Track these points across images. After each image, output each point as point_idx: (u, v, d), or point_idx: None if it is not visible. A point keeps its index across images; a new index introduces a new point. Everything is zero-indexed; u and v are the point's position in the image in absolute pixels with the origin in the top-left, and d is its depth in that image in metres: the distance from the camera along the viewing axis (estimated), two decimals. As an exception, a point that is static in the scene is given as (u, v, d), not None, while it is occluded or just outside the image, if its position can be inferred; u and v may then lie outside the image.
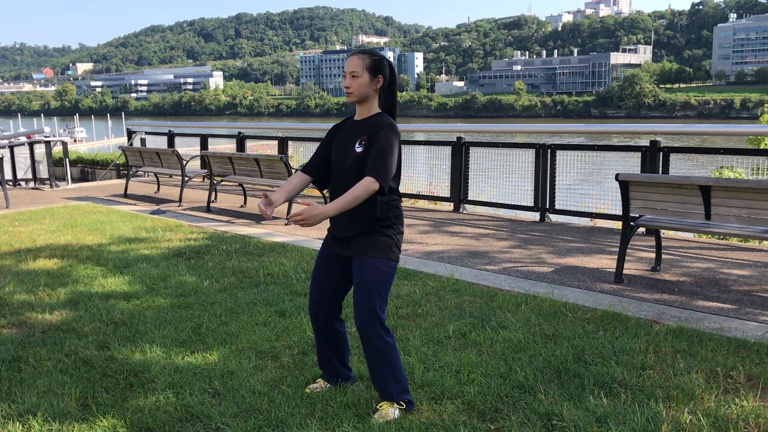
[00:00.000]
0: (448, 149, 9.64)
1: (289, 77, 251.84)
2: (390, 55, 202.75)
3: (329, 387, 3.65)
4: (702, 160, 10.48)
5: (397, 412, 3.33)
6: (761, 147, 11.10)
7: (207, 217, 9.46)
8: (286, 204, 9.78)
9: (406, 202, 10.86)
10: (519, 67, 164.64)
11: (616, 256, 6.56)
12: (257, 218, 9.38)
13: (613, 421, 3.17)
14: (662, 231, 6.86)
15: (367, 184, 3.16)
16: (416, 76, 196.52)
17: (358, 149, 3.32)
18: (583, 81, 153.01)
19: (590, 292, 5.45)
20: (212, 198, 10.27)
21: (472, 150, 9.41)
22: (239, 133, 13.00)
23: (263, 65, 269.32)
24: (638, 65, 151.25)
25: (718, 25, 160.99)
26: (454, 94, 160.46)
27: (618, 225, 8.58)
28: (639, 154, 7.71)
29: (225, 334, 4.55)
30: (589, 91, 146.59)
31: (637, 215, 5.82)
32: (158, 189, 12.41)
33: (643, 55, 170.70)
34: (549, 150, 8.51)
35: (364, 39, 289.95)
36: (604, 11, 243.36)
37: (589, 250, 7.02)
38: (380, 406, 3.35)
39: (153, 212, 9.92)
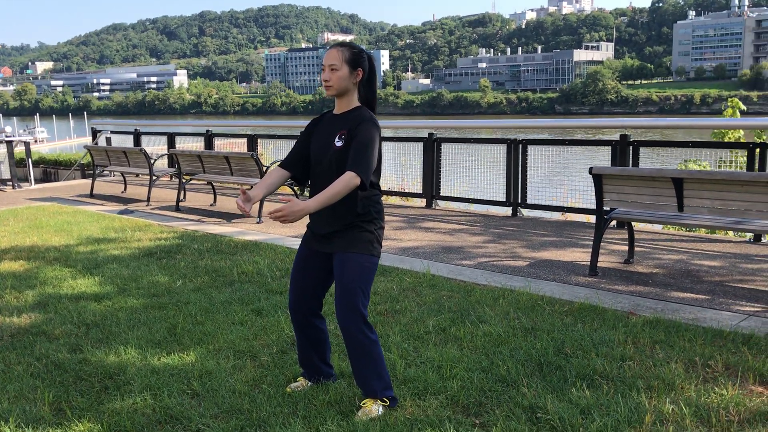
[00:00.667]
0: (419, 145, 9.62)
1: (255, 75, 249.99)
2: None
3: (311, 385, 3.60)
4: (665, 154, 10.64)
5: (380, 408, 3.29)
6: (725, 140, 11.29)
7: (176, 217, 9.31)
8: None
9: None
10: (484, 65, 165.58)
11: (590, 250, 6.62)
12: (228, 217, 9.27)
13: (597, 413, 3.17)
14: (634, 224, 6.92)
15: (348, 179, 3.11)
16: (382, 74, 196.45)
17: (338, 143, 3.27)
18: (547, 78, 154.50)
19: (566, 285, 5.48)
20: (181, 197, 10.11)
21: (444, 146, 9.41)
22: (207, 131, 12.83)
23: (228, 63, 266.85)
24: (601, 62, 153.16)
25: (678, 22, 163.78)
26: (421, 92, 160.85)
27: (589, 218, 8.67)
28: (609, 149, 7.78)
29: (201, 333, 4.48)
30: (553, 88, 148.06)
31: (610, 209, 5.87)
32: (125, 189, 12.19)
33: (606, 52, 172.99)
34: (520, 145, 8.54)
35: (330, 37, 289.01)
36: (567, 9, 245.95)
37: (562, 243, 7.06)
38: (363, 404, 3.32)
39: (121, 212, 9.74)
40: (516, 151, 8.56)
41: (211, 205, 10.32)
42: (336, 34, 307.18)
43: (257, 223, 8.68)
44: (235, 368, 3.89)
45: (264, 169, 8.77)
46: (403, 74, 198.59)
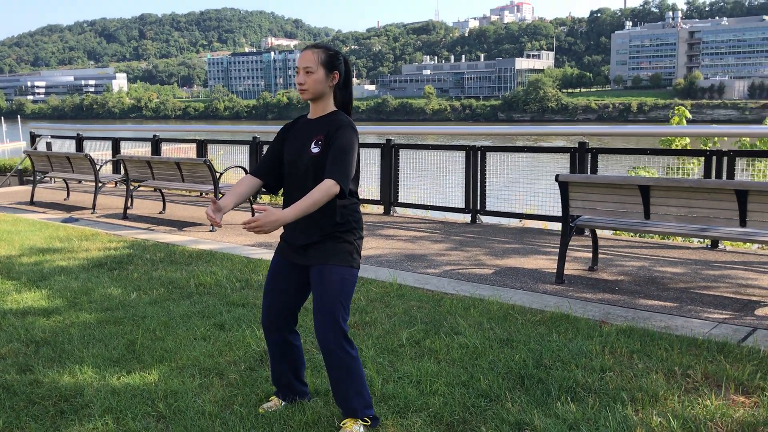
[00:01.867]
0: (377, 151, 9.49)
1: (197, 79, 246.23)
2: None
3: (284, 405, 3.42)
4: (613, 161, 10.78)
5: (361, 428, 3.14)
6: (672, 147, 11.52)
7: (125, 225, 8.95)
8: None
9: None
10: (429, 72, 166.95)
11: (552, 257, 6.60)
12: (179, 225, 8.95)
13: (585, 428, 3.09)
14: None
15: (328, 188, 2.95)
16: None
17: (315, 150, 3.11)
18: (490, 86, 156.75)
19: (534, 293, 5.42)
20: (128, 204, 9.74)
21: (402, 152, 9.31)
22: (154, 135, 12.44)
23: (169, 67, 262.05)
24: (542, 70, 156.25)
25: (616, 32, 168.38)
26: (366, 98, 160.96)
27: (546, 225, 8.68)
28: (568, 156, 7.80)
29: (162, 350, 4.23)
30: (496, 95, 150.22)
31: (574, 216, 5.84)
32: (68, 196, 11.70)
33: (546, 60, 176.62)
34: (479, 152, 8.50)
35: (274, 41, 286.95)
36: (509, 18, 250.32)
37: (524, 250, 7.02)
38: (344, 424, 3.15)
39: (65, 220, 9.32)
40: (475, 158, 8.51)
41: (161, 212, 9.96)
42: (280, 38, 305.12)
43: (210, 231, 8.40)
44: (202, 387, 3.68)
45: (217, 175, 8.50)
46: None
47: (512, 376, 3.71)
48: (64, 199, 11.51)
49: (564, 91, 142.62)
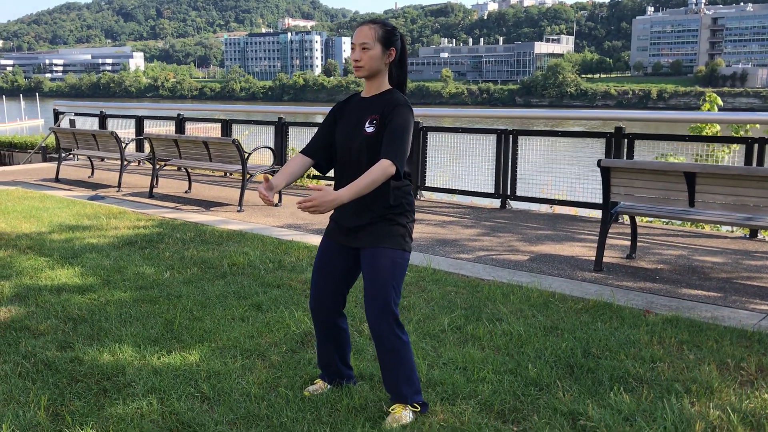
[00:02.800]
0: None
1: (213, 60, 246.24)
2: (317, 39, 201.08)
3: (329, 388, 3.36)
4: (642, 147, 10.61)
5: (411, 414, 3.07)
6: (703, 134, 11.33)
7: (151, 204, 8.92)
8: (239, 191, 9.38)
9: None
10: (446, 55, 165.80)
11: (588, 244, 6.50)
12: (206, 204, 8.91)
13: (642, 420, 3.01)
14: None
15: (385, 167, 2.87)
16: (344, 61, 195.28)
17: (369, 129, 3.02)
18: (508, 69, 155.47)
19: (573, 281, 5.32)
20: (154, 183, 9.70)
21: (431, 135, 9.19)
22: (179, 114, 12.38)
23: (186, 47, 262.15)
24: (561, 55, 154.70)
25: (637, 17, 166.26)
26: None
27: (576, 211, 8.56)
28: (603, 141, 7.66)
29: (201, 330, 4.19)
30: (514, 79, 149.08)
31: (615, 202, 5.73)
32: (92, 173, 11.69)
33: (566, 45, 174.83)
34: (511, 136, 8.38)
35: (291, 22, 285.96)
36: (528, 1, 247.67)
37: (558, 237, 6.92)
38: (393, 409, 3.09)
39: (91, 198, 9.30)
40: (507, 142, 8.38)
41: (186, 192, 9.93)
42: (297, 19, 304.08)
43: (238, 212, 8.35)
44: (245, 369, 3.63)
45: (246, 155, 8.44)
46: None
47: (560, 364, 3.63)
48: (89, 177, 11.50)
49: (583, 76, 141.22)
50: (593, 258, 6.00)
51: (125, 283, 5.19)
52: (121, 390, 3.42)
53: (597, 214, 8.39)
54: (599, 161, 5.47)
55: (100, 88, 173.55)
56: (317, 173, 10.59)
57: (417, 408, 3.10)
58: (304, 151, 3.21)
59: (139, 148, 12.73)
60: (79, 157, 13.70)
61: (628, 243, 6.44)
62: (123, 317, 4.45)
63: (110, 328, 4.25)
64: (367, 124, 3.03)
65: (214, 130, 12.29)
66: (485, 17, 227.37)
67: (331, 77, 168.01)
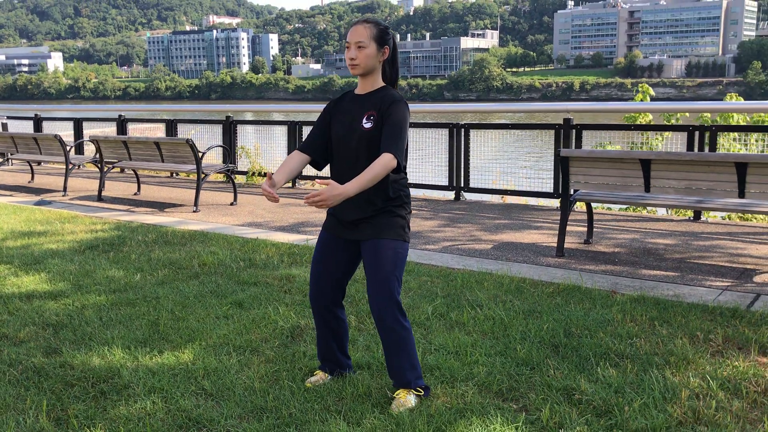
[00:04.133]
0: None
1: (137, 59, 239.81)
2: (244, 37, 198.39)
3: (330, 378, 3.45)
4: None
5: (414, 398, 3.20)
6: (636, 123, 11.84)
7: (102, 207, 8.75)
8: (190, 191, 9.30)
9: (315, 184, 10.62)
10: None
11: (544, 231, 6.76)
12: (159, 206, 8.80)
13: (631, 391, 3.21)
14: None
15: (386, 161, 2.98)
16: (272, 58, 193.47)
17: (367, 125, 3.12)
18: (436, 65, 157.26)
19: (539, 266, 5.55)
20: (99, 186, 9.50)
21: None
22: (120, 116, 12.12)
23: (107, 46, 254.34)
24: (486, 49, 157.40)
25: (558, 12, 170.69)
26: (312, 77, 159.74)
27: (526, 201, 8.85)
28: (552, 132, 7.95)
29: (187, 330, 4.20)
30: (441, 74, 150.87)
31: (573, 191, 5.98)
32: (32, 178, 11.34)
33: (491, 39, 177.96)
34: (463, 129, 8.58)
35: (215, 19, 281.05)
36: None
37: (515, 226, 7.16)
38: (397, 394, 3.21)
39: (37, 203, 9.05)
40: (458, 135, 8.59)
41: (135, 194, 9.76)
42: (222, 16, 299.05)
43: (194, 212, 8.28)
44: (242, 365, 3.67)
45: (200, 155, 8.37)
46: (293, 59, 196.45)
47: (545, 345, 3.82)
48: (29, 182, 11.16)
49: (509, 70, 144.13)
50: (553, 244, 6.26)
51: (97, 287, 5.13)
52: (120, 391, 3.42)
53: (545, 202, 8.70)
54: (558, 151, 5.71)
55: (17, 90, 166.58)
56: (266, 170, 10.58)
57: (420, 392, 3.22)
58: (301, 148, 3.28)
59: (78, 150, 12.41)
60: (13, 162, 13.26)
61: (583, 229, 6.73)
62: (104, 321, 4.41)
63: (94, 332, 4.21)
64: (364, 120, 3.13)
65: (157, 131, 12.09)
66: (411, 13, 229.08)
67: (260, 74, 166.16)
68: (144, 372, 3.60)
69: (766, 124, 9.65)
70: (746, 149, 8.27)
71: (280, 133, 10.80)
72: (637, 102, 9.96)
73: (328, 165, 3.32)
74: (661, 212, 8.07)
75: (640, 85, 13.35)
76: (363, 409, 3.13)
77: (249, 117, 11.34)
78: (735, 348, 3.75)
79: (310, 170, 10.37)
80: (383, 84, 3.23)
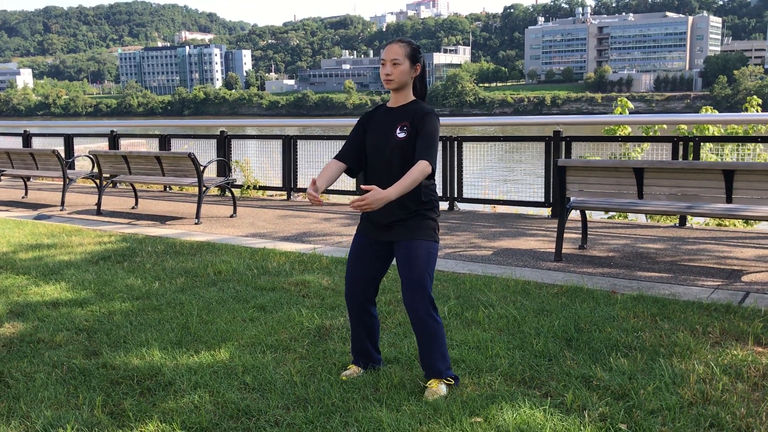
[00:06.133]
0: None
1: (108, 75, 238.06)
2: (217, 53, 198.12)
3: (363, 372, 3.70)
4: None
5: (445, 387, 3.46)
6: (623, 135, 12.30)
7: (103, 221, 8.90)
8: (188, 204, 9.48)
9: (301, 198, 10.86)
10: (348, 66, 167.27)
11: (540, 238, 7.08)
12: (159, 219, 8.98)
13: (643, 378, 3.51)
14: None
15: (423, 167, 3.26)
16: (245, 74, 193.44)
17: (401, 135, 3.40)
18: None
19: (540, 270, 5.85)
20: (100, 200, 9.65)
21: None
22: (112, 131, 12.27)
23: (78, 62, 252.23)
24: (459, 65, 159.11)
25: (529, 27, 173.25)
26: (285, 93, 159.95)
27: (517, 210, 9.18)
28: (543, 144, 8.30)
29: (217, 331, 4.42)
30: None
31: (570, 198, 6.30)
32: (26, 193, 11.42)
33: (463, 55, 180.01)
34: (456, 142, 8.91)
35: (188, 36, 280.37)
36: (425, 13, 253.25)
37: (510, 233, 7.47)
38: (429, 384, 3.46)
39: (37, 217, 9.17)
40: (452, 148, 8.91)
41: (133, 207, 9.92)
42: (194, 33, 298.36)
43: (196, 224, 8.48)
44: (277, 361, 3.90)
45: (201, 168, 8.58)
46: (267, 75, 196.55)
47: (559, 339, 4.11)
48: (23, 197, 11.24)
49: (481, 85, 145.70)
50: (549, 250, 6.58)
51: (120, 295, 5.32)
52: (165, 387, 3.63)
53: (534, 211, 9.04)
54: (556, 161, 6.04)
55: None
56: (263, 184, 10.80)
57: (451, 381, 3.49)
58: (337, 157, 3.56)
59: (70, 166, 12.49)
60: (2, 177, 13.31)
61: (575, 236, 7.06)
62: (135, 325, 4.61)
63: (128, 335, 4.41)
64: (398, 131, 3.41)
65: (151, 146, 12.25)
66: (384, 29, 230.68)
67: (233, 90, 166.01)
68: (185, 370, 3.81)
69: (739, 134, 10.12)
70: (721, 159, 8.71)
71: (274, 147, 11.04)
72: (625, 115, 10.37)
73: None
74: (641, 219, 8.45)
75: (618, 99, 13.83)
76: (400, 398, 3.39)
77: (250, 131, 11.54)
78: (732, 339, 4.07)
79: (306, 183, 10.61)
80: (414, 98, 3.52)
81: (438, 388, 3.43)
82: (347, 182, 10.14)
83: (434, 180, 3.53)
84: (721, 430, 3.00)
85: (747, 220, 6.30)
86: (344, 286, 3.65)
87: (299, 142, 10.40)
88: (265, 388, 3.57)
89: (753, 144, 9.11)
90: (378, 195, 3.15)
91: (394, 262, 3.61)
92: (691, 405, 3.23)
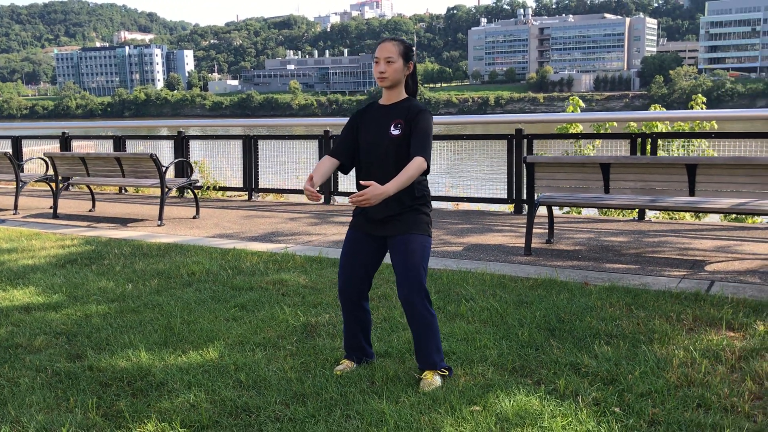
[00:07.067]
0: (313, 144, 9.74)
1: (44, 76, 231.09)
2: (158, 53, 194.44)
3: (356, 366, 3.74)
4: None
5: (440, 379, 3.53)
6: (569, 132, 12.62)
7: (61, 224, 8.69)
8: (154, 206, 9.35)
9: (267, 197, 10.81)
10: (293, 67, 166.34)
11: (507, 233, 7.23)
12: (120, 221, 8.82)
13: (629, 364, 3.65)
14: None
15: (419, 164, 3.33)
16: (187, 74, 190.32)
17: (395, 132, 3.46)
18: (355, 81, 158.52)
19: (512, 264, 5.98)
20: (52, 204, 9.41)
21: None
22: (64, 133, 11.97)
23: (11, 63, 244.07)
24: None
25: (472, 28, 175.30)
26: (229, 93, 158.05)
27: (479, 207, 9.34)
28: (506, 142, 8.47)
29: (202, 331, 4.39)
30: (361, 90, 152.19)
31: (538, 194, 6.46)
32: (-26, 197, 11.05)
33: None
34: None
35: (127, 36, 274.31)
36: (369, 13, 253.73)
37: (478, 230, 7.61)
38: (424, 375, 3.53)
39: (-10, 222, 8.89)
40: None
41: (90, 210, 9.71)
42: (134, 33, 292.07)
43: (159, 225, 8.36)
44: (268, 359, 3.91)
45: (164, 169, 8.46)
46: (209, 75, 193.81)
47: (542, 329, 4.23)
48: (-29, 201, 10.88)
49: (426, 86, 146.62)
50: (517, 245, 6.73)
51: (95, 298, 5.23)
52: (158, 388, 3.60)
53: (496, 207, 9.21)
54: (524, 157, 6.19)
55: None
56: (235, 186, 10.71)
57: (445, 372, 3.56)
58: (331, 153, 3.60)
59: (20, 168, 12.13)
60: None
61: (542, 231, 7.23)
62: (115, 327, 4.54)
63: (110, 337, 4.35)
64: (392, 128, 3.47)
65: (106, 147, 12.00)
66: (328, 29, 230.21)
67: (175, 91, 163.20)
68: (175, 370, 3.79)
69: (685, 131, 10.51)
70: (668, 154, 9.05)
71: (233, 147, 10.95)
72: (589, 113, 10.66)
73: (350, 168, 3.64)
74: (593, 212, 8.70)
75: (570, 98, 14.17)
76: (397, 390, 3.44)
77: (193, 132, 11.39)
78: (706, 325, 4.26)
79: (267, 184, 10.58)
80: (406, 96, 3.58)
81: (433, 379, 3.50)
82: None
83: (426, 177, 3.60)
84: (708, 409, 3.15)
85: (708, 212, 6.55)
86: (338, 282, 3.67)
87: (260, 142, 10.34)
88: (261, 385, 3.58)
89: (698, 140, 9.51)
90: (377, 191, 3.20)
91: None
92: (677, 387, 3.37)
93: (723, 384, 3.39)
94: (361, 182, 3.26)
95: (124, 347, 4.16)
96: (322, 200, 3.55)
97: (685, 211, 7.05)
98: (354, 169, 3.67)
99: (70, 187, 11.67)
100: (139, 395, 3.54)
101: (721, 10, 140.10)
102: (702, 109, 11.50)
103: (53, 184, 9.58)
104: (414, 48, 3.58)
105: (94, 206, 9.80)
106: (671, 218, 8.20)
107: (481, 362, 3.75)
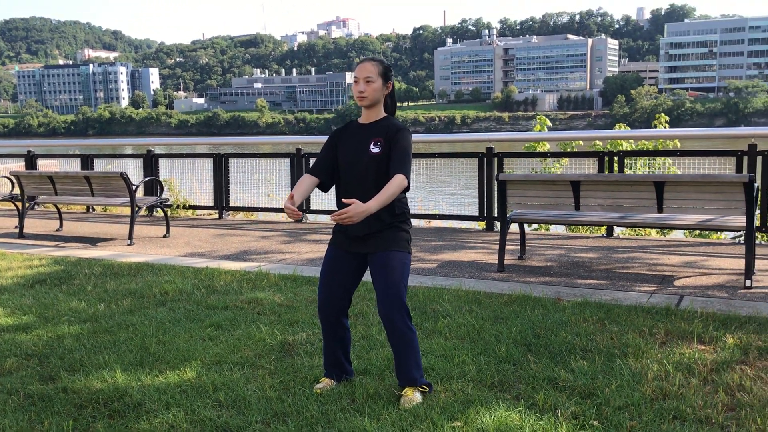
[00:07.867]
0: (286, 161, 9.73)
1: (4, 94, 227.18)
2: (123, 71, 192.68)
3: (336, 384, 3.74)
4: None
5: (420, 395, 3.54)
6: (538, 151, 12.81)
7: (28, 244, 8.54)
8: (122, 226, 9.24)
9: (237, 215, 10.76)
10: (260, 85, 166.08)
11: (479, 250, 7.30)
12: (89, 240, 8.69)
13: (605, 377, 3.71)
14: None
15: (400, 181, 3.37)
16: (153, 92, 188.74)
17: (375, 150, 3.50)
18: (322, 99, 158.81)
19: (486, 281, 6.04)
20: (17, 224, 9.24)
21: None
22: (29, 152, 11.79)
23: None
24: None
25: (438, 48, 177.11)
26: (195, 111, 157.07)
27: (451, 224, 9.41)
28: (476, 160, 8.57)
29: (178, 351, 4.35)
30: (329, 108, 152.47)
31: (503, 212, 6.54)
32: (-64, 217, 10.80)
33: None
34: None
35: (91, 53, 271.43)
36: (336, 33, 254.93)
37: (451, 246, 7.66)
38: (405, 392, 3.54)
39: (-46, 242, 8.69)
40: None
41: (58, 230, 9.56)
42: (98, 50, 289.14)
43: (129, 245, 8.26)
44: (247, 378, 3.89)
45: (134, 188, 8.38)
46: (175, 93, 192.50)
47: (519, 344, 4.27)
48: (-68, 221, 10.62)
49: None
50: (490, 261, 6.80)
51: (66, 318, 5.14)
52: (136, 408, 3.55)
53: (468, 225, 9.29)
54: (497, 175, 6.27)
55: None
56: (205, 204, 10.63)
57: (425, 389, 3.58)
58: (310, 172, 3.62)
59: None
60: None
61: (514, 247, 7.31)
62: (89, 348, 4.47)
63: (84, 358, 4.28)
64: (372, 146, 3.50)
65: (73, 166, 11.84)
66: (295, 48, 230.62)
67: (140, 109, 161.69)
68: (153, 390, 3.74)
69: (649, 149, 10.74)
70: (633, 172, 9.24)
71: (203, 165, 10.89)
72: (558, 131, 10.83)
73: (323, 186, 3.66)
74: (561, 229, 8.83)
75: (537, 117, 14.40)
76: (378, 407, 3.45)
77: (159, 150, 11.25)
78: (677, 339, 4.35)
79: (238, 202, 10.53)
80: (385, 114, 3.62)
81: (413, 395, 3.52)
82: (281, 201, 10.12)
83: (404, 195, 3.64)
84: (684, 421, 3.21)
85: (676, 228, 6.70)
86: (317, 299, 3.68)
87: (231, 160, 10.30)
88: (240, 404, 3.55)
89: (662, 158, 9.72)
90: (359, 208, 3.22)
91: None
92: (652, 400, 3.44)
93: (697, 396, 3.46)
94: (344, 200, 3.29)
95: (99, 368, 4.10)
96: (302, 217, 3.55)
97: (654, 228, 7.19)
98: (333, 187, 3.69)
99: (36, 207, 11.48)
100: (117, 416, 3.49)
101: (680, 32, 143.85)
102: (665, 128, 11.78)
103: (19, 204, 9.41)
104: (391, 68, 3.63)
105: (61, 225, 9.64)
106: (638, 234, 8.38)
107: (460, 378, 3.78)
